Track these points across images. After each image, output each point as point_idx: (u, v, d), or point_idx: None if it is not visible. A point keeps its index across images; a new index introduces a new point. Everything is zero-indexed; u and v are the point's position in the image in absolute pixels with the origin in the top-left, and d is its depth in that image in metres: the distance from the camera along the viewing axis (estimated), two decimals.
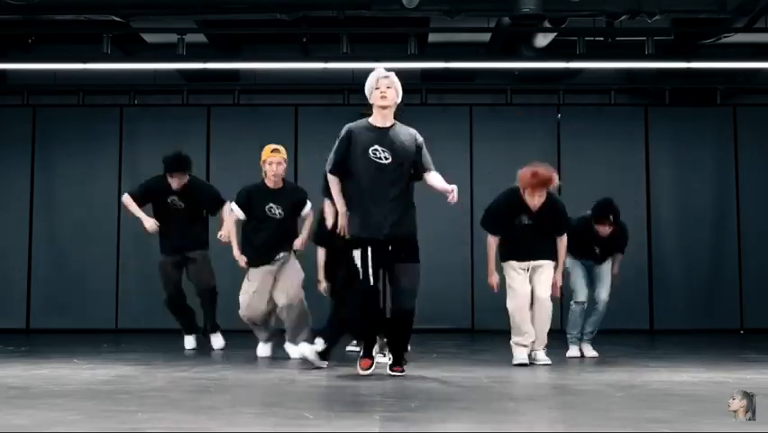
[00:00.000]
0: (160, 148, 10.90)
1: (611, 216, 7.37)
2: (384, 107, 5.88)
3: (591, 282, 7.54)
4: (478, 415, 4.22)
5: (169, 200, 7.91)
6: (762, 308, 10.61)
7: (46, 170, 11.08)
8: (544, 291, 6.79)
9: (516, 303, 6.70)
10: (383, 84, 5.86)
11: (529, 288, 6.76)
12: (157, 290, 8.31)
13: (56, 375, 5.85)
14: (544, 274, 6.82)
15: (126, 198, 7.97)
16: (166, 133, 10.97)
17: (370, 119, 5.93)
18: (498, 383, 5.54)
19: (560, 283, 6.95)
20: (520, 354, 6.66)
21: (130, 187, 8.75)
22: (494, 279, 6.90)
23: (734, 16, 8.88)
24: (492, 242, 6.86)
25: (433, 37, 10.47)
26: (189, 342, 8.08)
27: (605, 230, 7.36)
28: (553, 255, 6.88)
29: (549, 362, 6.70)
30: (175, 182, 7.84)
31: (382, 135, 5.84)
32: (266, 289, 7.08)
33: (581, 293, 7.47)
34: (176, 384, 5.35)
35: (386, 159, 5.78)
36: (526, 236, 6.79)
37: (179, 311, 8.09)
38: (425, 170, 5.94)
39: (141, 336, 9.64)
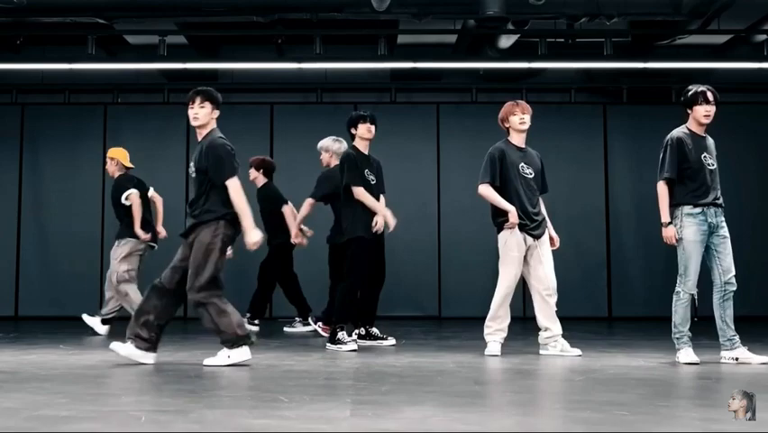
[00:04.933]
0: (142, 144, 11.23)
1: (709, 91, 5.95)
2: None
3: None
4: (445, 398, 4.31)
5: None
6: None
7: (34, 165, 11.29)
8: (551, 269, 6.38)
9: (508, 286, 6.30)
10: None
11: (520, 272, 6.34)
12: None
13: (43, 360, 5.95)
14: (545, 247, 6.42)
15: None
16: (148, 130, 11.18)
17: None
18: (464, 368, 5.64)
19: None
20: (494, 347, 6.36)
21: None
22: (513, 212, 6.26)
23: (688, 19, 9.08)
24: (488, 187, 6.36)
25: (401, 38, 10.62)
26: None
27: (709, 111, 5.96)
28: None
29: (579, 352, 6.38)
30: None
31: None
32: None
33: (693, 281, 6.15)
34: (157, 369, 5.44)
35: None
36: (526, 195, 6.39)
37: None
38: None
39: (124, 323, 9.79)
